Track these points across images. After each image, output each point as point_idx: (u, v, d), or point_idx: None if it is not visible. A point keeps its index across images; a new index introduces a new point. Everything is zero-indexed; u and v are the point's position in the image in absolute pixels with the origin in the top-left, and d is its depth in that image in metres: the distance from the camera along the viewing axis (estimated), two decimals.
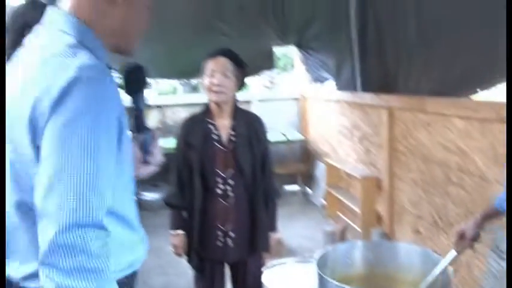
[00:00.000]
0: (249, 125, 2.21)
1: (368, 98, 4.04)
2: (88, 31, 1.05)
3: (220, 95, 2.11)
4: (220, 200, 2.16)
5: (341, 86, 4.82)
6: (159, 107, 5.96)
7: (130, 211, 1.16)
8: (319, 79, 5.52)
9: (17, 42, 1.53)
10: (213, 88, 2.09)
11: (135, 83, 1.27)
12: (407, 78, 3.59)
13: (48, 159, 0.91)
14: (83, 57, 0.99)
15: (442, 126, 2.94)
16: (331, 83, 5.24)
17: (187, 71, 6.04)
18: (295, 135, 5.84)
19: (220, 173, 2.15)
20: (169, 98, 8.00)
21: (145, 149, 1.33)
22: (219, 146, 2.16)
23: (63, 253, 0.87)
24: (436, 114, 2.99)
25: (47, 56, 1.00)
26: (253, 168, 2.19)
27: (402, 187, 3.53)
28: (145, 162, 1.35)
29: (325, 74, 5.28)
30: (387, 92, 3.75)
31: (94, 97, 0.94)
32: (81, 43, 1.03)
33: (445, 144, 2.91)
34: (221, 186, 2.16)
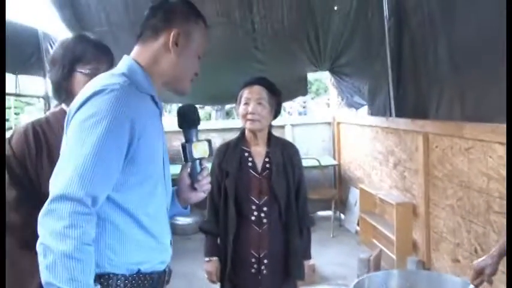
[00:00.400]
0: (283, 152, 2.21)
1: (403, 123, 3.99)
2: (138, 68, 1.28)
3: (255, 123, 2.12)
4: (255, 226, 2.16)
5: (374, 112, 4.80)
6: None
7: (152, 219, 1.27)
8: (352, 105, 5.52)
9: (69, 74, 1.62)
10: (248, 116, 2.12)
11: (187, 120, 1.44)
12: (441, 104, 3.53)
13: (65, 147, 1.17)
14: (117, 79, 1.21)
15: (481, 153, 2.86)
16: (364, 109, 5.24)
17: (222, 97, 6.16)
18: (328, 160, 5.80)
19: (254, 199, 2.16)
20: (204, 124, 8.09)
21: (193, 177, 1.44)
22: (253, 173, 2.17)
23: (48, 217, 1.07)
24: (474, 140, 2.93)
25: (99, 76, 1.26)
26: (288, 195, 2.19)
27: (439, 214, 3.44)
28: (194, 189, 1.45)
29: (359, 100, 5.29)
30: (421, 117, 3.71)
31: (109, 102, 1.14)
32: (126, 75, 1.24)
33: (485, 171, 2.83)
34: (255, 213, 2.16)
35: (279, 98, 2.22)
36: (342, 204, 5.75)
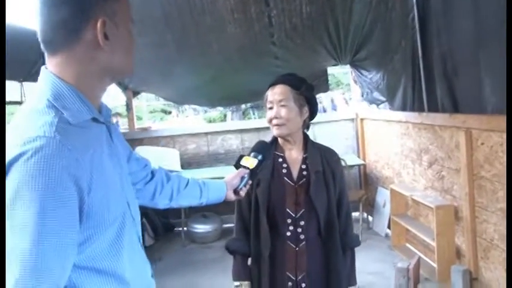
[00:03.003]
0: (323, 159, 1.89)
1: (439, 118, 3.59)
2: (65, 89, 1.00)
3: (281, 128, 1.85)
4: (290, 243, 1.83)
5: (394, 108, 4.46)
6: (207, 134, 5.77)
7: (127, 264, 1.10)
8: (373, 101, 5.16)
9: None
10: (273, 121, 1.86)
11: (260, 150, 1.71)
12: (483, 96, 3.13)
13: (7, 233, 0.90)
14: (40, 125, 0.92)
15: None
16: (386, 105, 4.87)
17: (239, 97, 5.87)
18: (353, 160, 5.41)
19: (290, 212, 1.84)
20: (219, 125, 7.77)
21: (242, 182, 1.63)
22: (288, 181, 1.86)
23: None
24: None
25: (22, 112, 0.99)
26: (328, 209, 1.85)
27: (488, 218, 3.04)
28: (236, 192, 1.64)
29: (378, 96, 4.95)
30: (458, 111, 3.33)
31: (35, 171, 0.87)
32: (53, 106, 0.97)
33: None
34: (291, 227, 1.83)
35: (308, 94, 1.89)
36: (369, 206, 5.36)
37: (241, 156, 1.68)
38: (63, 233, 0.91)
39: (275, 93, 1.85)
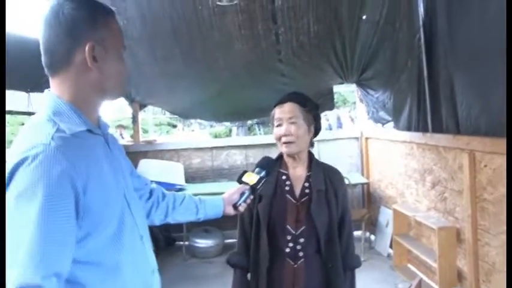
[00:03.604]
0: (326, 178, 1.90)
1: (443, 139, 3.58)
2: (63, 105, 1.14)
3: (291, 145, 1.86)
4: (289, 260, 1.83)
5: (399, 127, 4.45)
6: (212, 148, 5.78)
7: (120, 258, 1.19)
8: (378, 120, 5.16)
9: None
10: (282, 139, 1.86)
11: (263, 166, 1.74)
12: (487, 118, 3.13)
13: (8, 231, 1.01)
14: (40, 135, 1.06)
15: None
16: (391, 124, 4.87)
17: (244, 113, 5.89)
18: (357, 178, 5.39)
19: (290, 229, 1.84)
20: (224, 140, 7.77)
21: (242, 198, 1.67)
22: (290, 198, 1.87)
23: None
24: None
25: (28, 126, 1.15)
26: (329, 228, 1.84)
27: (490, 241, 3.02)
28: (235, 208, 1.67)
29: (384, 115, 4.96)
30: (462, 133, 3.32)
31: (37, 171, 1.00)
32: (53, 120, 1.11)
33: None
34: (290, 244, 1.83)
35: (315, 112, 1.92)
36: (372, 225, 5.32)
37: (244, 172, 1.72)
38: (61, 226, 1.02)
39: (284, 111, 1.86)
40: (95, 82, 1.17)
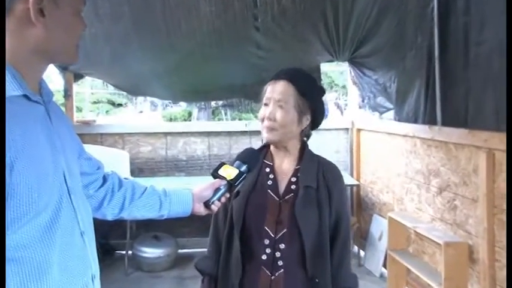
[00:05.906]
0: (319, 173, 1.90)
1: (455, 134, 3.58)
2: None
3: (272, 132, 1.88)
4: (265, 270, 1.83)
5: (402, 118, 4.47)
6: (166, 134, 5.71)
7: (48, 255, 1.16)
8: (376, 108, 5.17)
9: None
10: (264, 122, 1.89)
11: (246, 159, 1.76)
12: (504, 110, 3.13)
13: None
14: None
15: None
16: (389, 114, 4.92)
17: (208, 91, 5.79)
18: (345, 179, 5.37)
19: (269, 231, 1.84)
20: (182, 125, 7.64)
21: (216, 195, 1.68)
22: (272, 194, 1.89)
23: None
24: None
25: None
26: (318, 234, 1.83)
27: None
28: (207, 206, 1.69)
29: (383, 102, 4.97)
30: (478, 127, 3.31)
31: None
32: None
33: None
34: (268, 250, 1.83)
35: (315, 101, 1.92)
36: (361, 238, 5.40)
37: (221, 164, 1.74)
38: None
39: (275, 90, 1.88)
40: (37, 41, 1.17)
